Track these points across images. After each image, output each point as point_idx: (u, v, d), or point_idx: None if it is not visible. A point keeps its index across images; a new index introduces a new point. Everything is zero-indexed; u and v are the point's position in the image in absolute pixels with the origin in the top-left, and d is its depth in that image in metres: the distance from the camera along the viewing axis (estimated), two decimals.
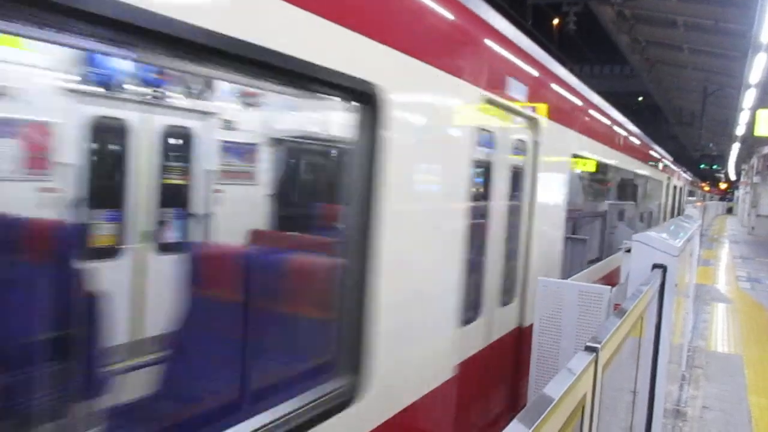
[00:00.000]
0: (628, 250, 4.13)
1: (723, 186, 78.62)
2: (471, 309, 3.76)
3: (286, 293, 2.83)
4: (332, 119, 3.05)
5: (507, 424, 1.28)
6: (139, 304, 5.66)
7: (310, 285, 2.83)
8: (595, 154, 7.00)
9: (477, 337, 3.72)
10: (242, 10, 1.83)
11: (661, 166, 14.03)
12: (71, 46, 1.62)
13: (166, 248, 5.94)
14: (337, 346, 2.50)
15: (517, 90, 4.20)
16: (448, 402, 3.40)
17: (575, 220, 6.64)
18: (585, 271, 6.65)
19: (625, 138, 9.09)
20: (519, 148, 4.59)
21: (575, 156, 6.07)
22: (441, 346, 3.32)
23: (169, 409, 2.77)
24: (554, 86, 5.31)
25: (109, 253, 5.52)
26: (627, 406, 3.20)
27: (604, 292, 4.19)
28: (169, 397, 2.80)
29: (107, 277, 4.21)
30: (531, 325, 4.43)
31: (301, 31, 2.05)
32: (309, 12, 2.05)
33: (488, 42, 3.76)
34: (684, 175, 22.09)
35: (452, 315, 3.41)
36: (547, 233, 5.26)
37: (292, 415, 2.15)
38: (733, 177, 63.69)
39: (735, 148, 37.87)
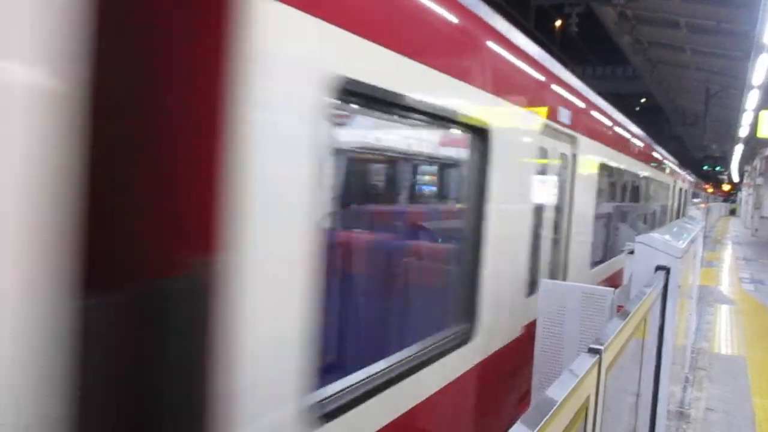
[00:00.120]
0: (631, 252, 4.12)
1: (726, 188, 78.52)
2: (531, 285, 4.73)
3: (427, 270, 4.01)
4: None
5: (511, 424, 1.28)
6: None
7: (443, 263, 4.08)
8: (617, 162, 8.16)
9: (534, 308, 4.49)
10: (433, 86, 2.99)
11: (668, 170, 15.41)
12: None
13: None
14: (459, 305, 3.63)
15: (562, 115, 5.34)
16: (519, 352, 4.46)
17: (601, 218, 7.72)
18: (610, 260, 8.00)
19: (640, 147, 10.46)
20: (563, 160, 5.65)
21: (602, 165, 7.14)
22: (516, 310, 4.42)
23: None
24: (587, 108, 6.46)
25: None
26: (630, 408, 3.19)
27: (607, 293, 4.18)
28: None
29: None
30: None
31: (462, 95, 3.30)
32: (465, 83, 3.32)
33: (552, 85, 5.13)
34: (688, 177, 23.81)
35: (523, 288, 4.56)
36: (581, 229, 6.27)
37: (434, 346, 3.21)
38: (736, 178, 63.59)
39: (738, 150, 37.80)
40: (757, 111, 19.47)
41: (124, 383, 1.63)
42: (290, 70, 2.00)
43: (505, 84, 3.98)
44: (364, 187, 3.85)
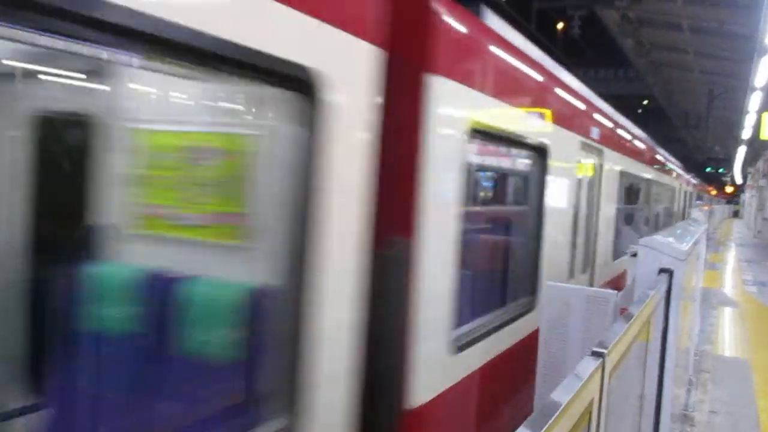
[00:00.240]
0: (635, 255, 4.12)
1: (729, 189, 78.39)
2: (571, 272, 5.94)
3: (509, 255, 4.99)
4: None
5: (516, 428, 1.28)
6: None
7: (518, 251, 4.98)
8: (633, 169, 9.42)
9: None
10: (521, 121, 4.31)
11: (674, 174, 16.98)
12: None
13: None
14: (526, 282, 4.75)
15: (593, 132, 6.49)
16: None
17: (621, 217, 8.96)
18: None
19: (651, 155, 11.89)
20: (593, 170, 6.79)
21: (621, 172, 8.29)
22: None
23: None
24: (611, 124, 7.68)
25: None
26: (634, 411, 3.19)
27: (610, 296, 4.18)
28: None
29: None
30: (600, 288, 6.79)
31: (536, 126, 4.53)
32: (537, 116, 4.61)
33: (587, 109, 6.39)
34: (693, 181, 25.92)
35: (566, 272, 5.77)
36: (606, 227, 7.42)
37: (515, 310, 4.42)
38: (739, 180, 63.48)
39: (741, 152, 37.76)
40: (759, 113, 19.45)
41: (383, 302, 2.85)
42: (450, 119, 3.18)
43: (559, 113, 5.16)
44: (478, 193, 4.98)
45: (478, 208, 4.62)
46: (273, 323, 2.39)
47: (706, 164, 47.92)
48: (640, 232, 10.00)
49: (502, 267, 4.90)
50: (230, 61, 1.87)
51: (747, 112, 21.30)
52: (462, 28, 3.35)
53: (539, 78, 4.74)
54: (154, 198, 3.06)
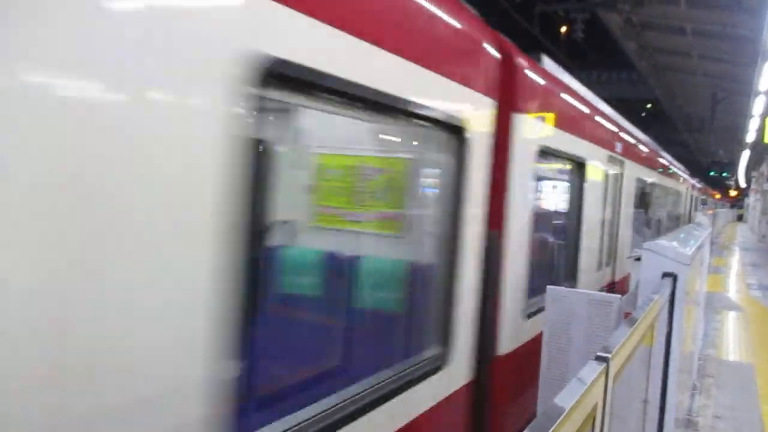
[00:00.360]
0: (638, 259, 4.10)
1: (733, 193, 78.20)
2: (599, 264, 7.16)
3: (558, 249, 6.29)
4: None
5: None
6: None
7: (563, 247, 6.26)
8: (647, 177, 10.91)
9: (600, 281, 7.19)
10: (573, 143, 5.80)
11: (682, 180, 18.89)
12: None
13: None
14: (570, 269, 6.09)
15: (617, 147, 7.85)
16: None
17: (637, 219, 10.21)
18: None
19: (662, 163, 13.67)
20: (616, 179, 7.95)
21: (638, 179, 9.71)
22: (593, 279, 6.81)
23: None
24: (630, 139, 9.13)
25: None
26: (638, 415, 3.17)
27: (613, 300, 4.17)
28: None
29: None
30: (619, 280, 8.35)
31: (580, 146, 5.88)
32: (579, 138, 5.87)
33: (614, 128, 7.70)
34: (698, 185, 28.69)
35: (596, 263, 6.99)
36: (625, 227, 8.76)
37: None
38: (743, 184, 63.34)
39: (745, 156, 37.67)
40: (763, 117, 19.41)
41: (488, 277, 3.94)
42: (526, 142, 4.36)
43: (594, 134, 6.56)
44: (541, 196, 6.02)
45: (541, 208, 5.85)
46: (426, 287, 3.57)
47: (709, 168, 47.82)
48: (653, 231, 11.76)
49: (555, 255, 6.31)
50: (422, 116, 3.07)
51: (751, 116, 21.26)
52: (532, 79, 4.55)
53: (581, 107, 6.24)
54: (328, 202, 4.47)
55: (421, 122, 3.16)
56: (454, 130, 3.40)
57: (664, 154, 14.69)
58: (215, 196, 1.84)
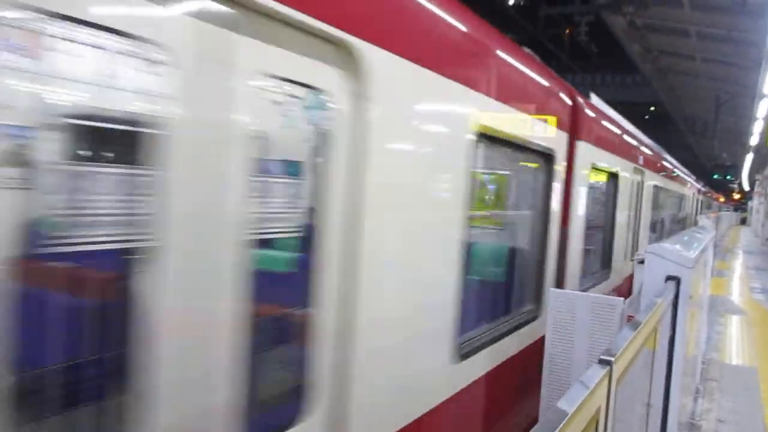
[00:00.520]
0: (641, 262, 4.10)
1: (736, 196, 78.06)
2: (625, 255, 8.59)
3: (597, 244, 7.80)
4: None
5: None
6: None
7: (602, 242, 7.97)
8: (662, 184, 12.92)
9: (625, 269, 8.81)
10: (611, 162, 7.67)
11: (689, 185, 21.41)
12: None
13: None
14: (606, 259, 7.90)
15: (639, 159, 9.68)
16: (626, 288, 8.25)
17: (654, 220, 12.26)
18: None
19: (673, 171, 15.52)
20: (637, 186, 9.63)
21: (655, 186, 11.63)
22: (621, 267, 8.36)
23: None
24: (649, 152, 10.99)
25: None
26: (641, 419, 3.17)
27: (617, 303, 4.16)
28: None
29: None
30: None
31: (617, 163, 7.80)
32: (615, 155, 7.74)
33: (638, 144, 9.64)
34: (703, 189, 32.75)
35: (623, 256, 8.57)
36: (644, 226, 10.55)
37: (600, 277, 7.55)
38: (746, 187, 63.21)
39: (748, 159, 37.59)
40: (767, 119, 19.38)
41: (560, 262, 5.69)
42: (587, 165, 6.17)
43: (626, 151, 8.43)
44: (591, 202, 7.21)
45: (588, 210, 6.88)
46: (522, 264, 5.23)
47: (713, 171, 47.73)
48: (665, 230, 13.99)
49: (597, 246, 7.84)
50: (537, 151, 4.86)
51: (755, 119, 21.22)
52: (587, 114, 6.17)
53: (616, 130, 7.96)
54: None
55: (532, 151, 4.85)
56: (548, 156, 5.16)
57: (675, 162, 16.91)
58: (463, 202, 3.58)
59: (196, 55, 1.88)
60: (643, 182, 9.97)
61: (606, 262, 7.96)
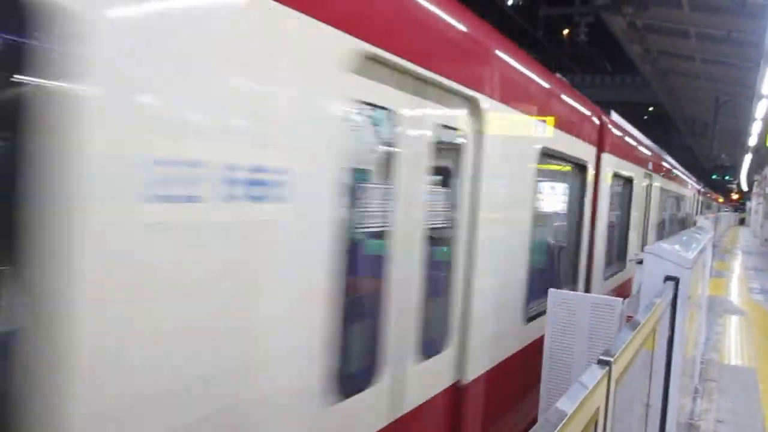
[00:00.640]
0: (640, 262, 4.10)
1: (735, 197, 78.12)
2: (634, 250, 9.39)
3: (621, 238, 9.37)
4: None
5: None
6: None
7: (617, 237, 9.17)
8: (666, 186, 14.36)
9: (630, 269, 9.32)
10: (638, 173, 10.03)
11: (690, 186, 23.05)
12: None
13: None
14: (621, 251, 9.23)
15: (649, 165, 10.99)
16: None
17: (661, 217, 14.05)
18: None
19: (677, 174, 17.41)
20: (647, 188, 11.21)
21: (661, 188, 13.19)
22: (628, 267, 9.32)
23: None
24: (656, 158, 12.45)
25: None
26: (640, 419, 3.17)
27: (616, 304, 4.17)
28: None
29: None
30: None
31: (631, 167, 9.20)
32: (636, 165, 9.70)
33: (647, 151, 11.18)
34: (703, 190, 33.84)
35: (636, 248, 9.48)
36: (653, 222, 12.07)
37: (619, 267, 9.05)
38: (745, 188, 63.25)
39: (747, 159, 37.62)
40: (766, 120, 19.40)
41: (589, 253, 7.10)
42: (609, 172, 7.47)
43: (639, 159, 9.84)
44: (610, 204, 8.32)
45: (610, 211, 7.94)
46: (566, 253, 6.54)
47: (712, 172, 47.76)
48: (669, 227, 15.53)
49: (616, 242, 8.85)
50: (577, 163, 6.38)
51: (753, 120, 21.24)
52: (610, 129, 7.49)
53: (631, 141, 9.31)
54: None
55: (574, 163, 6.35)
56: (582, 167, 6.56)
57: (678, 165, 18.65)
58: (532, 203, 4.92)
59: (416, 117, 3.21)
60: (651, 185, 11.54)
61: (623, 253, 9.28)
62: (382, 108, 2.91)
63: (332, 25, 2.34)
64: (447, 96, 3.41)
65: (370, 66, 2.65)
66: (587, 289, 6.97)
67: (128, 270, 1.66)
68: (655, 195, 12.06)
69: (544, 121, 5.02)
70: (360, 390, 2.84)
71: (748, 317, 12.16)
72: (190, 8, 1.80)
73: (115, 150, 1.59)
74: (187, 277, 1.84)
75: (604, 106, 8.61)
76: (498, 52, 4.12)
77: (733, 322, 11.59)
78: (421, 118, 3.22)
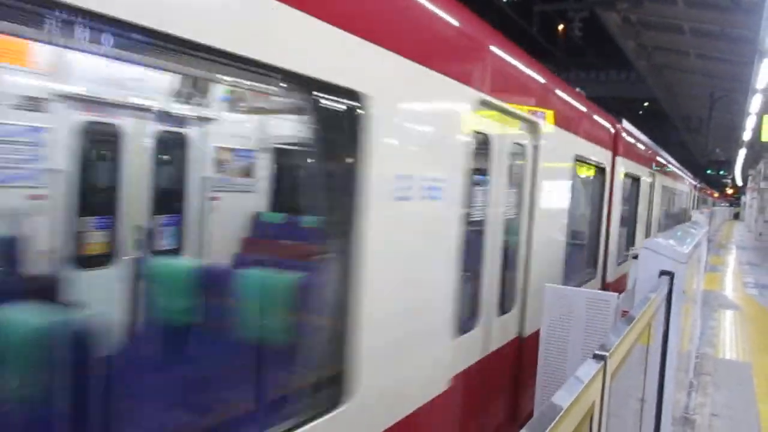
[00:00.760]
0: (636, 257, 4.11)
1: (730, 191, 78.36)
2: (640, 240, 10.18)
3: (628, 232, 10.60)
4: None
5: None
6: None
7: (627, 228, 10.33)
8: (667, 183, 15.80)
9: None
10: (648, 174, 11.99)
11: (688, 183, 24.80)
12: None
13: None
14: (630, 240, 10.59)
15: (652, 165, 12.13)
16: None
17: (663, 211, 15.34)
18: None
19: (677, 172, 18.99)
20: (651, 186, 12.23)
21: (663, 186, 14.64)
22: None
23: None
24: (659, 158, 13.65)
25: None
26: (635, 413, 3.18)
27: (611, 299, 4.17)
28: None
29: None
30: None
31: (639, 168, 10.63)
32: (636, 162, 10.44)
33: (652, 152, 12.56)
34: (699, 186, 35.31)
35: (642, 237, 10.82)
36: (656, 215, 13.44)
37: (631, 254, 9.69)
38: (739, 182, 63.42)
39: (742, 154, 37.71)
40: (760, 115, 19.45)
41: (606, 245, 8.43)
42: (622, 173, 8.66)
43: (646, 159, 11.11)
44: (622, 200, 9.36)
45: (623, 206, 9.20)
46: (589, 242, 7.86)
47: (707, 167, 47.89)
48: (669, 221, 16.63)
49: (625, 232, 9.81)
50: (598, 167, 7.69)
51: (748, 115, 21.29)
52: (622, 136, 8.62)
53: (639, 145, 10.46)
54: None
55: (596, 167, 7.52)
56: (602, 169, 7.81)
57: (676, 163, 19.97)
58: (567, 200, 6.24)
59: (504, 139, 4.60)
60: (654, 183, 12.82)
61: (632, 242, 10.49)
62: (485, 134, 4.17)
63: (468, 85, 3.62)
64: (519, 122, 4.75)
65: (481, 107, 3.86)
66: (605, 273, 8.30)
67: (386, 239, 2.87)
68: (657, 192, 13.44)
69: (578, 134, 6.43)
70: (467, 331, 4.07)
71: (742, 312, 12.21)
72: (420, 100, 3.19)
73: (383, 170, 2.80)
74: (407, 244, 3.11)
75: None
76: (552, 88, 5.62)
77: (728, 316, 11.64)
78: (505, 138, 4.49)
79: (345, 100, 2.59)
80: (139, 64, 2.13)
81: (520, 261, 4.96)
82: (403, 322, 3.12)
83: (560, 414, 1.43)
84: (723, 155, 47.12)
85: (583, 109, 6.87)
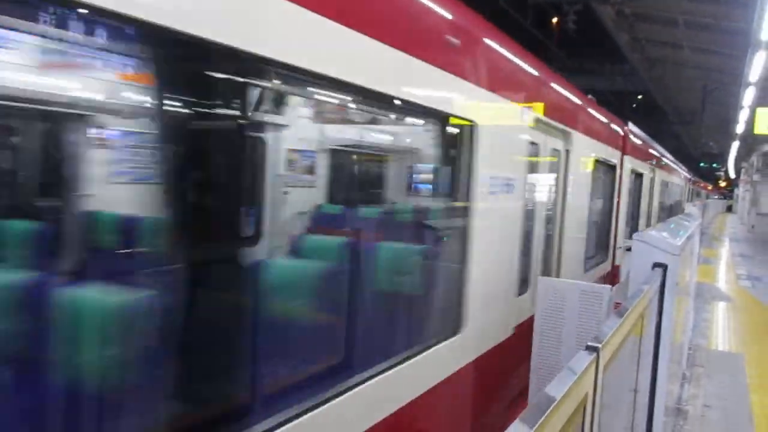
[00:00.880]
0: (629, 249, 4.12)
1: (723, 184, 78.69)
2: (643, 228, 10.61)
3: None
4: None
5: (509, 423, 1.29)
6: None
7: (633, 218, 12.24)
8: (665, 178, 17.49)
9: None
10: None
11: (683, 176, 27.45)
12: None
13: None
14: (633, 232, 7.96)
15: (653, 162, 14.35)
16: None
17: (660, 202, 16.73)
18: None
19: (674, 167, 21.05)
20: (651, 181, 13.96)
21: (662, 181, 16.23)
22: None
23: None
24: (658, 155, 15.86)
25: None
26: (628, 405, 3.20)
27: (604, 291, 4.19)
28: None
29: None
30: None
31: (643, 165, 12.83)
32: (636, 159, 11.86)
33: (652, 150, 14.76)
34: (693, 179, 38.65)
35: (644, 224, 12.94)
36: (656, 206, 15.22)
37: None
38: (732, 175, 63.70)
39: (735, 147, 37.84)
40: (753, 108, 19.49)
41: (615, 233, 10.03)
42: (629, 170, 10.37)
43: (647, 157, 13.23)
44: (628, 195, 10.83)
45: (629, 198, 10.55)
46: (602, 230, 9.15)
47: (700, 159, 48.08)
48: (666, 212, 17.91)
49: (630, 222, 10.96)
50: (610, 165, 9.13)
51: (741, 107, 21.34)
52: (629, 137, 10.19)
53: (642, 144, 11.84)
54: None
55: (609, 165, 8.81)
56: (612, 167, 9.01)
57: (672, 158, 21.94)
58: (588, 196, 7.57)
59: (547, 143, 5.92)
60: (654, 178, 14.33)
61: (635, 230, 11.31)
62: (534, 143, 5.29)
63: (532, 109, 5.03)
64: (557, 132, 5.99)
65: (536, 123, 5.15)
66: (614, 256, 9.67)
67: (484, 224, 4.09)
68: (657, 186, 15.09)
69: (598, 139, 7.72)
70: (522, 293, 5.21)
71: (735, 303, 12.29)
72: (509, 125, 4.67)
73: (485, 172, 4.05)
74: (495, 227, 4.42)
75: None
76: (581, 103, 7.03)
77: (721, 308, 11.71)
78: (546, 145, 5.71)
79: (466, 126, 3.86)
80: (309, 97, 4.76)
81: (555, 242, 6.39)
82: (492, 282, 4.44)
83: (553, 405, 1.44)
84: (716, 148, 47.28)
85: (603, 119, 8.44)
